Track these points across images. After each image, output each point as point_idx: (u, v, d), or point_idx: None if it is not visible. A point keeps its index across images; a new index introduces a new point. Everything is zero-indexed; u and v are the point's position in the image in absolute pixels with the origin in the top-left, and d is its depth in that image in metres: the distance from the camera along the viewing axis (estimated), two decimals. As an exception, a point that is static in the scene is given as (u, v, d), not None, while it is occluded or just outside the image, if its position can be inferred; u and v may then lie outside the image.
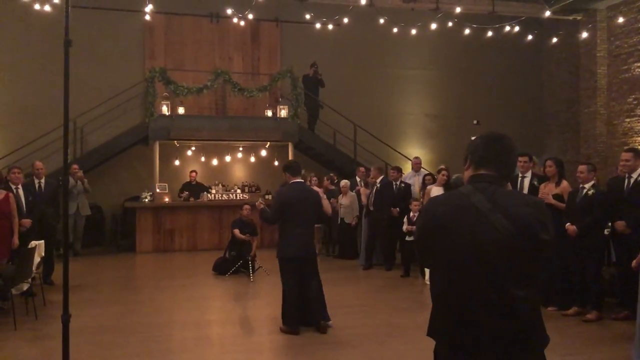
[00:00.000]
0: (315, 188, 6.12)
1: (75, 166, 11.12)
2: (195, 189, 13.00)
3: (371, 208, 10.01)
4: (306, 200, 5.92)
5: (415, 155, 12.55)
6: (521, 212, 2.12)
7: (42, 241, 7.11)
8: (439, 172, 9.12)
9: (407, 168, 13.93)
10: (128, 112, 13.29)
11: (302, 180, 6.16)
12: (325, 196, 6.05)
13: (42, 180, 8.43)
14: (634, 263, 4.99)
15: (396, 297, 7.86)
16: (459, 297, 2.14)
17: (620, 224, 6.29)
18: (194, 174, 13.28)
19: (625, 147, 8.27)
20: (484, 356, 2.11)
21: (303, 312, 5.97)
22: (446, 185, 8.65)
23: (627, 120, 13.96)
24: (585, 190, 6.48)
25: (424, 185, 9.76)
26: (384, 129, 14.76)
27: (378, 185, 10.02)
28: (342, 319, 6.25)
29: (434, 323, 2.27)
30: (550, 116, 16.54)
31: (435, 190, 8.60)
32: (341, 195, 10.98)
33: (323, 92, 13.95)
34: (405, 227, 9.18)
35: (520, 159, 7.12)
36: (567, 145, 15.71)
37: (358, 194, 10.91)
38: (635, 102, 13.75)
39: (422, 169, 11.57)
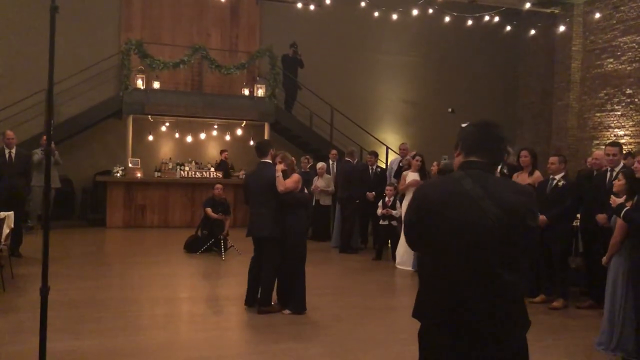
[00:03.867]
0: (278, 167, 6.01)
1: (45, 137, 10.88)
2: (225, 167, 13.19)
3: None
4: (259, 180, 6.00)
5: (402, 142, 12.31)
6: (511, 200, 2.18)
7: (12, 212, 6.97)
8: (413, 158, 9.20)
9: (382, 153, 14.02)
10: (102, 84, 12.95)
11: (268, 161, 6.13)
12: (280, 174, 5.93)
13: (13, 150, 8.24)
14: (604, 260, 5.13)
15: (369, 280, 7.95)
16: (451, 279, 2.18)
17: (601, 217, 6.18)
18: (225, 153, 13.42)
19: (610, 141, 8.30)
20: (472, 337, 2.15)
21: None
22: (421, 171, 8.75)
23: (598, 114, 14.26)
24: (555, 181, 6.61)
25: (400, 170, 9.84)
26: (361, 113, 14.76)
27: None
28: (314, 300, 6.29)
29: (421, 304, 2.31)
30: (524, 107, 16.80)
31: (411, 176, 8.72)
32: (317, 177, 10.99)
33: (302, 74, 13.86)
34: (379, 210, 9.27)
35: None
36: (539, 136, 15.99)
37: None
38: (606, 97, 14.05)
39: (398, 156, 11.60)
